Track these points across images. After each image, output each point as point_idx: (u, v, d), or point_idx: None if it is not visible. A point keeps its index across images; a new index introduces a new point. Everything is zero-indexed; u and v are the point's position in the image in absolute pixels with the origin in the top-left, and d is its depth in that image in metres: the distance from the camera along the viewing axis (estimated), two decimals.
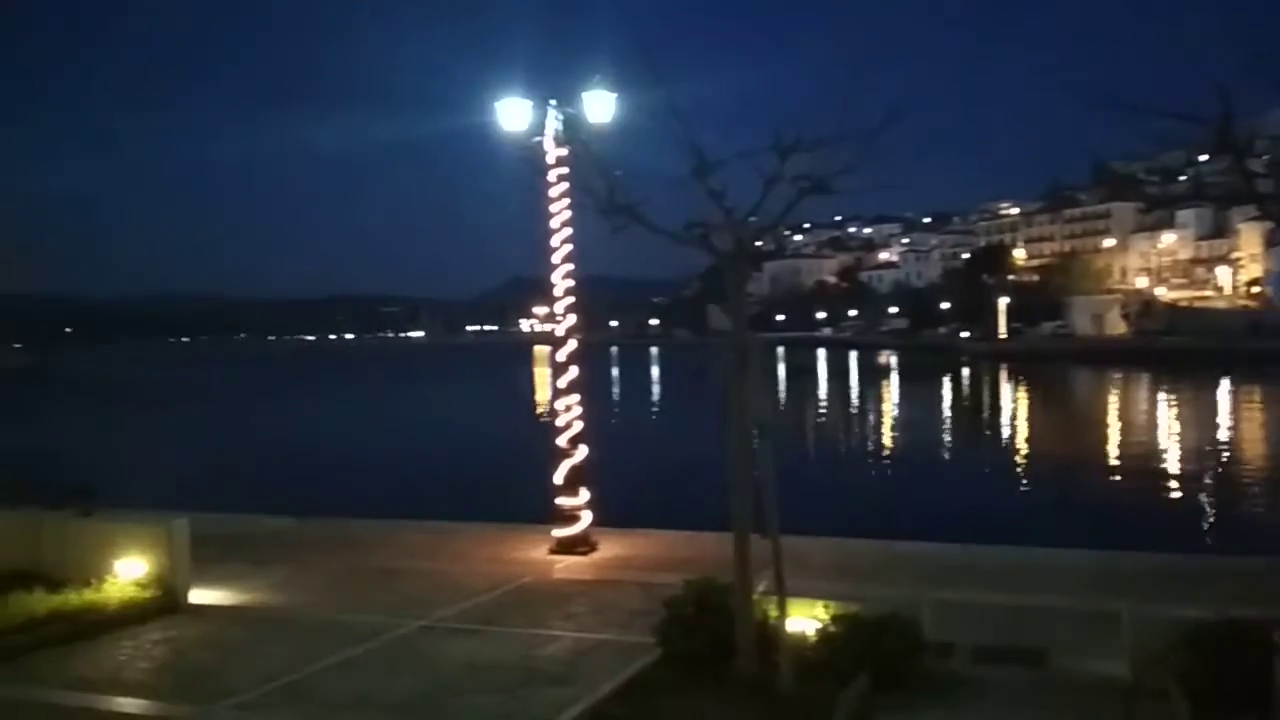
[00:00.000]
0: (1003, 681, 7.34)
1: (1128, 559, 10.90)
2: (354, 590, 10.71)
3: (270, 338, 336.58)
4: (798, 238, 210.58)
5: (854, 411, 49.66)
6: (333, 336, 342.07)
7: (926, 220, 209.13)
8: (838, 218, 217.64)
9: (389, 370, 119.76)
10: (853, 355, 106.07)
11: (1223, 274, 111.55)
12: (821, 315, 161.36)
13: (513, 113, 11.52)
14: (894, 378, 75.61)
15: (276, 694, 7.58)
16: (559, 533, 12.06)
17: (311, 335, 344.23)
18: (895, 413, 48.70)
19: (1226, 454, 29.99)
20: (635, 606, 9.29)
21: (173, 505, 14.05)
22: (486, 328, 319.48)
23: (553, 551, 11.97)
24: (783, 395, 59.54)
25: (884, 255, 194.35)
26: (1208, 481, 24.86)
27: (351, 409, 60.33)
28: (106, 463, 29.19)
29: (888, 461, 31.78)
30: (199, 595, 10.29)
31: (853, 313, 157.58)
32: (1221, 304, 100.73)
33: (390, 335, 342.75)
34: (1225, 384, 52.04)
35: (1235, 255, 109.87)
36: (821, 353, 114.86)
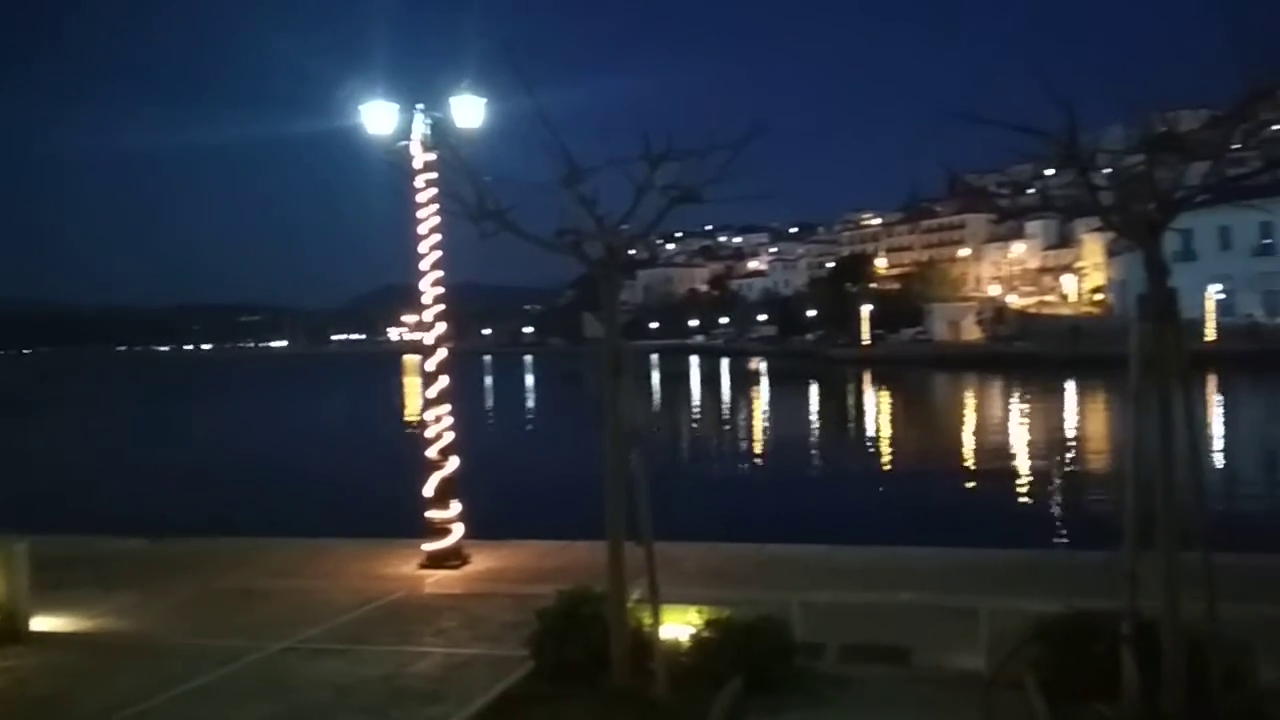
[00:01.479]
0: (869, 679, 7.52)
1: (984, 556, 11.36)
2: (212, 613, 10.22)
3: (120, 348, 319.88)
4: (670, 246, 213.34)
5: (726, 417, 50.46)
6: (188, 346, 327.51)
7: (793, 230, 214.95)
8: (708, 227, 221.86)
9: (249, 381, 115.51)
10: (724, 362, 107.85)
11: (1068, 282, 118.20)
12: (694, 323, 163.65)
13: (378, 116, 11.24)
14: (764, 383, 77.17)
15: None
16: (429, 546, 11.80)
17: (165, 345, 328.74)
18: (765, 418, 49.69)
19: (1072, 453, 31.68)
20: (507, 619, 9.16)
21: (11, 526, 13.19)
22: (353, 337, 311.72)
23: (423, 566, 11.70)
24: (657, 402, 60.06)
25: (753, 264, 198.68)
26: (1056, 480, 26.22)
27: (208, 422, 57.96)
28: None
29: (759, 465, 32.38)
30: (41, 622, 9.63)
31: (724, 320, 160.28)
32: (1067, 310, 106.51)
33: (251, 345, 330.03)
34: (1071, 387, 55.04)
35: (1079, 264, 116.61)
36: (694, 359, 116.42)
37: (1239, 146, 6.02)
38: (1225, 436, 34.31)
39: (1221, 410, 42.38)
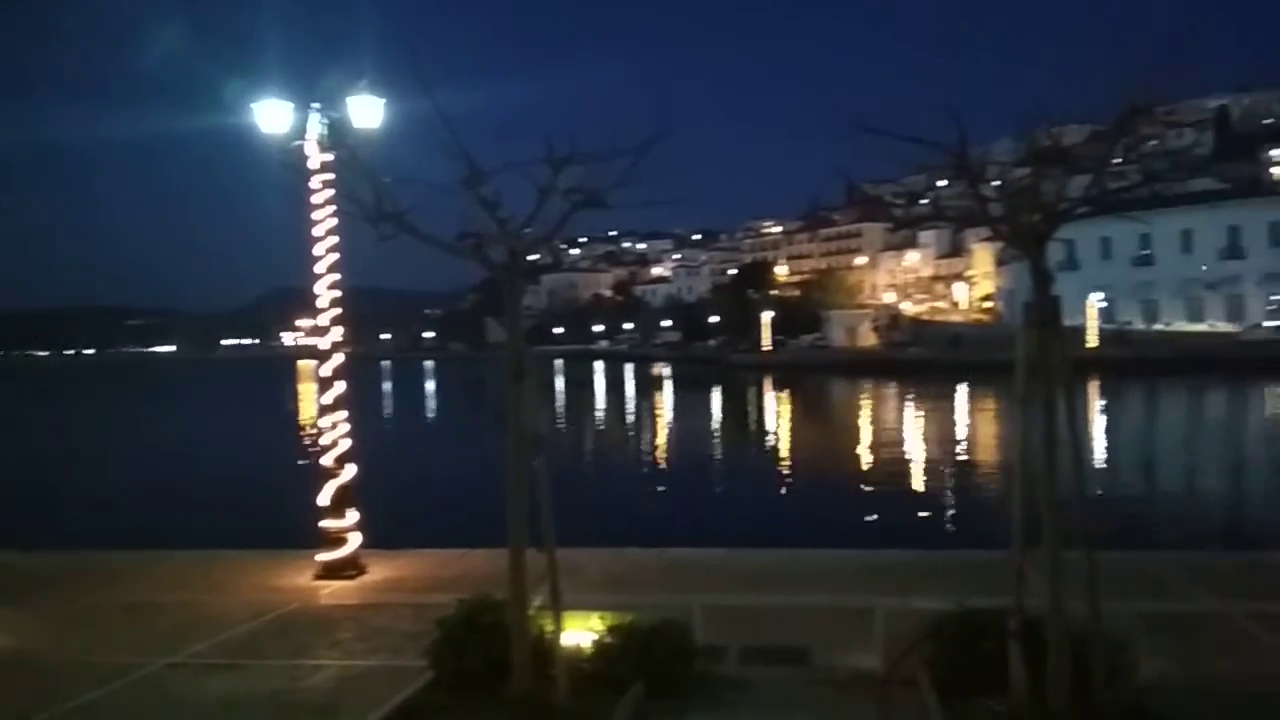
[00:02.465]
0: (769, 680, 7.60)
1: (879, 556, 11.61)
2: (94, 628, 9.75)
3: None
4: (574, 251, 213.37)
5: (630, 422, 50.61)
6: (70, 352, 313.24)
7: (696, 237, 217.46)
8: (612, 232, 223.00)
9: (136, 388, 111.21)
10: (629, 367, 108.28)
11: (959, 290, 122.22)
12: (598, 328, 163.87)
13: (272, 114, 10.91)
14: (668, 388, 77.63)
15: None
16: (324, 557, 11.48)
17: (44, 350, 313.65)
18: (669, 422, 49.98)
19: (963, 456, 32.69)
20: (406, 629, 8.98)
21: None
22: (245, 341, 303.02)
23: (318, 577, 11.38)
24: (561, 408, 59.86)
25: (657, 270, 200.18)
26: (948, 482, 27.00)
27: (90, 429, 55.57)
28: None
29: (662, 470, 32.51)
30: None
31: (628, 326, 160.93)
32: (959, 318, 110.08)
33: (137, 350, 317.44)
34: (962, 391, 56.85)
35: (970, 273, 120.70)
36: (599, 365, 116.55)
37: (1119, 161, 6.28)
38: (1106, 439, 35.85)
39: (1103, 414, 44.28)
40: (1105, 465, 29.42)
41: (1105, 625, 6.04)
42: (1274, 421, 42.52)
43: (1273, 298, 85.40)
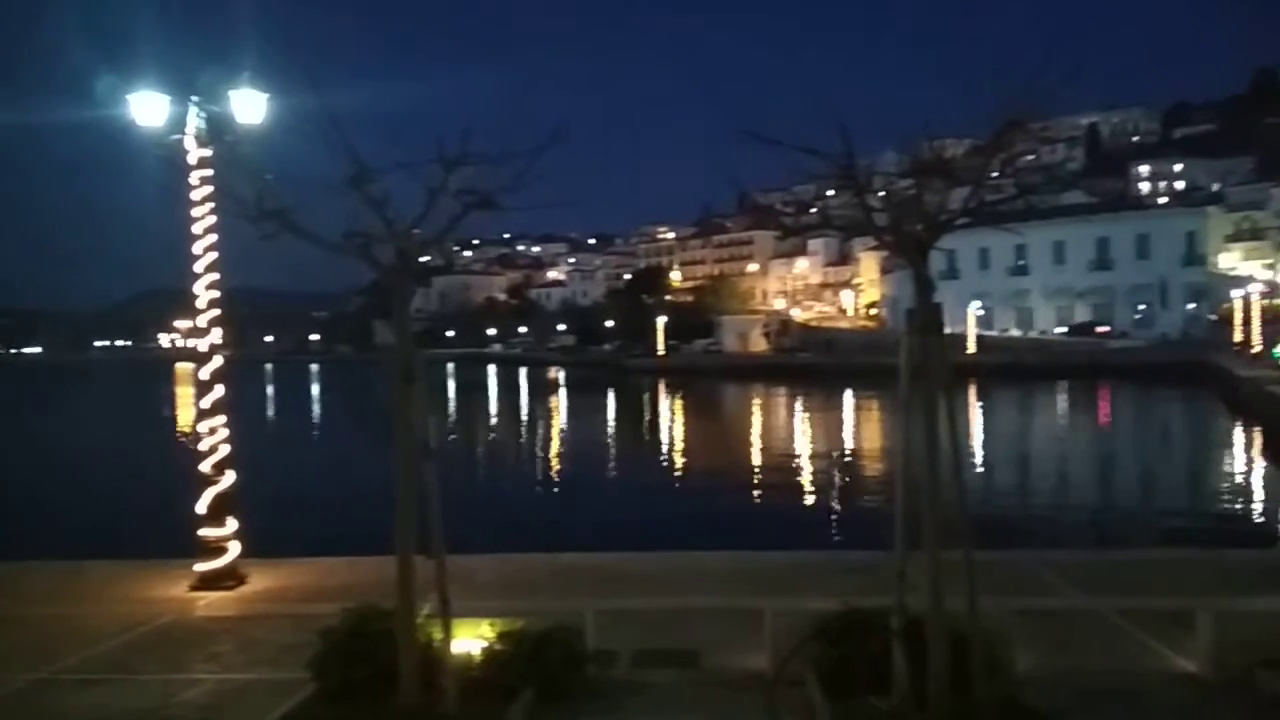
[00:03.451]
0: (660, 684, 7.64)
1: (768, 558, 11.79)
2: None
3: None
4: (467, 254, 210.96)
5: (523, 427, 50.27)
6: None
7: (591, 241, 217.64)
8: (506, 235, 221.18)
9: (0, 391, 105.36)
10: (523, 371, 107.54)
11: (846, 297, 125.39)
12: (492, 332, 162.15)
13: (148, 107, 10.46)
14: (562, 393, 77.44)
15: None
16: (202, 567, 11.06)
17: None
18: (563, 427, 49.84)
19: (849, 457, 33.49)
20: (288, 641, 8.70)
21: None
22: (119, 343, 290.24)
23: (195, 587, 10.96)
24: (452, 412, 59.11)
25: (552, 274, 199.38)
26: (834, 484, 27.60)
27: None
28: None
29: (555, 475, 32.40)
30: None
31: (523, 329, 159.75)
32: (845, 324, 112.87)
33: (0, 351, 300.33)
34: (849, 395, 58.29)
35: (857, 280, 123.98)
36: (492, 369, 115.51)
37: (996, 174, 6.51)
38: (983, 441, 37.20)
39: (980, 416, 45.97)
40: (982, 467, 30.52)
41: (983, 623, 6.24)
42: (1133, 423, 44.81)
43: (1140, 307, 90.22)
